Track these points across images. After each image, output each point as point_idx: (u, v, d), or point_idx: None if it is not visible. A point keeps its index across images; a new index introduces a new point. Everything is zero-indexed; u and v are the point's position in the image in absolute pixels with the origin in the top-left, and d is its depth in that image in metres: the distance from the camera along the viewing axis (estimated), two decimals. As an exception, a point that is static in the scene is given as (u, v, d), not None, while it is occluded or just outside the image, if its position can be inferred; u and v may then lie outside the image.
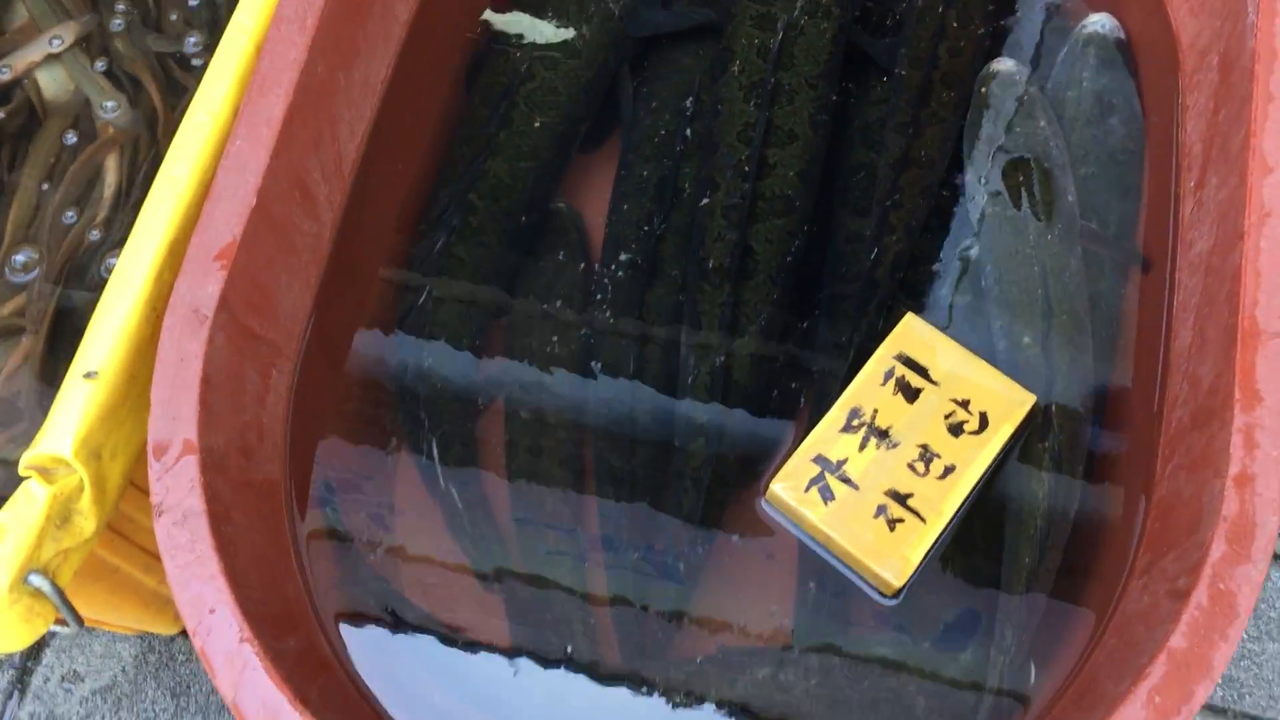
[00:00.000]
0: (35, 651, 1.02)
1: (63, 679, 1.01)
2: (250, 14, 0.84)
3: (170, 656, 1.01)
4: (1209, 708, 0.95)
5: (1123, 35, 0.94)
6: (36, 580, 0.72)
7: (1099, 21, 0.94)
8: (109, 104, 0.99)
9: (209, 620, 0.69)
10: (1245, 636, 0.97)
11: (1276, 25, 0.76)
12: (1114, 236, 0.88)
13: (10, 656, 1.02)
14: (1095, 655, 0.73)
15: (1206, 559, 0.63)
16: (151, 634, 1.01)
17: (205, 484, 0.72)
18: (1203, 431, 0.71)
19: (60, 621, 0.76)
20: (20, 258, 0.92)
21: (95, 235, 0.92)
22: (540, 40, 0.99)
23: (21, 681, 1.01)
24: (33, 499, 0.72)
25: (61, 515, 0.73)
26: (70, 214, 0.93)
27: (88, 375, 0.74)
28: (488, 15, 1.03)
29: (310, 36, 0.82)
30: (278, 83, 0.81)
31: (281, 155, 0.80)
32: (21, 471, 0.74)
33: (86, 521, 0.75)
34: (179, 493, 0.71)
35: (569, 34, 1.00)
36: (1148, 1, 0.93)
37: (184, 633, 1.02)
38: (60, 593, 0.73)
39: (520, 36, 0.99)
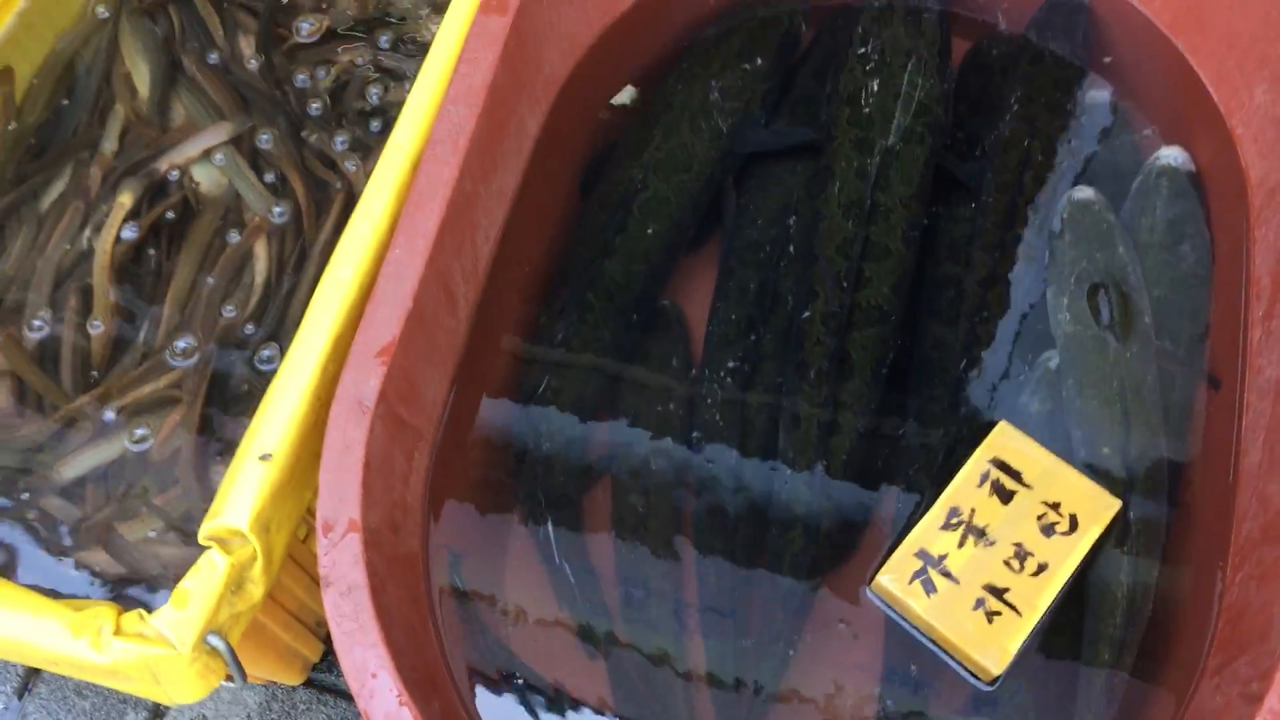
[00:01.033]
0: (167, 698, 1.10)
1: (192, 724, 1.09)
2: (407, 134, 0.94)
3: (292, 706, 1.09)
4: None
5: (1193, 168, 1.02)
6: (214, 640, 0.80)
7: (1171, 155, 1.02)
8: (259, 200, 1.09)
9: (371, 684, 0.77)
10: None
11: (1342, 177, 0.84)
12: (1185, 355, 0.95)
13: (143, 699, 1.10)
14: (1169, 748, 0.80)
15: (1278, 668, 0.70)
16: (275, 684, 1.09)
17: (366, 559, 0.80)
18: (1273, 547, 0.78)
19: (228, 677, 0.84)
20: (182, 344, 1.01)
21: (250, 329, 1.01)
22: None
23: (155, 725, 1.09)
24: (214, 567, 0.80)
25: (236, 582, 0.82)
26: (230, 308, 1.02)
27: (263, 458, 0.83)
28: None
29: (462, 156, 0.92)
30: (432, 198, 0.90)
31: (433, 263, 0.89)
32: (202, 541, 0.82)
33: (256, 588, 0.83)
34: (344, 567, 0.80)
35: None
36: (1218, 139, 1.01)
37: (306, 683, 1.10)
38: (232, 652, 0.82)
39: (637, 150, 1.08)
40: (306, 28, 1.16)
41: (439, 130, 0.92)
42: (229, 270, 1.06)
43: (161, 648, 0.78)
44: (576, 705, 0.92)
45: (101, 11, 1.20)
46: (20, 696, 1.11)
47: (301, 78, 1.14)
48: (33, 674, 1.12)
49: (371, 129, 1.12)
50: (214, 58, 1.16)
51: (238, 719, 1.08)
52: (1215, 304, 0.98)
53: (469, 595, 0.94)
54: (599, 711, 0.92)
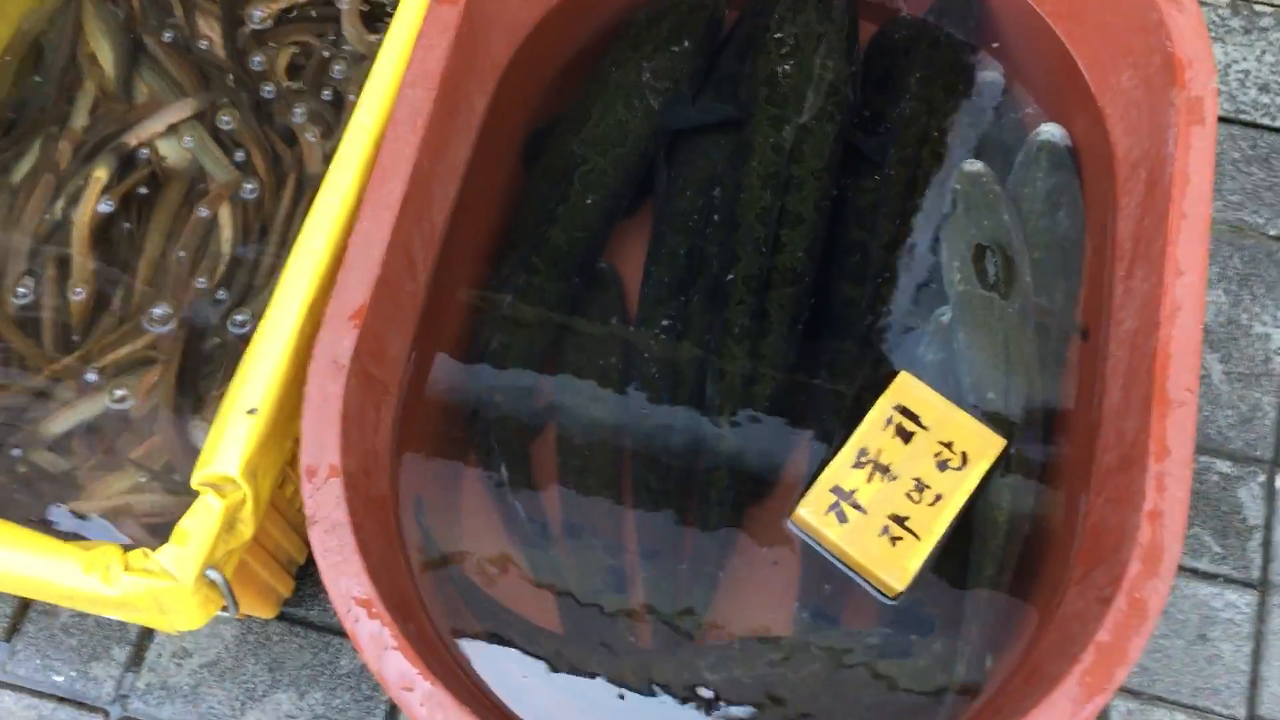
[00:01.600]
0: (148, 631, 1.20)
1: (173, 655, 1.19)
2: (370, 115, 1.03)
3: (266, 637, 1.19)
4: (1127, 690, 1.16)
5: (1070, 143, 1.15)
6: (212, 574, 0.91)
7: (1050, 130, 1.15)
8: (221, 171, 1.17)
9: (356, 610, 0.87)
10: (1156, 634, 1.18)
11: (1189, 156, 0.98)
12: (1060, 310, 1.09)
13: (126, 634, 1.20)
14: (1040, 646, 0.94)
15: (1126, 574, 0.84)
16: (251, 617, 1.19)
17: (348, 499, 0.91)
18: (1126, 474, 0.92)
19: (223, 608, 0.95)
20: (158, 310, 1.10)
21: (221, 294, 1.10)
22: None
23: (138, 656, 1.19)
24: (210, 510, 0.90)
25: (229, 523, 0.92)
26: (201, 279, 1.11)
27: (250, 411, 0.93)
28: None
29: (421, 135, 1.01)
30: (395, 174, 1.00)
31: (397, 233, 0.99)
32: (196, 486, 0.92)
33: (246, 528, 0.94)
34: (328, 507, 0.90)
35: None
36: (1090, 118, 1.14)
37: (279, 617, 1.20)
38: (228, 584, 0.92)
39: (577, 126, 1.18)
40: (259, 15, 1.24)
41: (399, 112, 1.02)
42: (195, 239, 1.14)
43: (166, 580, 0.88)
44: (531, 630, 1.03)
45: (63, -9, 1.27)
46: (9, 637, 1.20)
47: (258, 59, 1.22)
48: (20, 615, 1.21)
49: (324, 98, 1.20)
50: (171, 36, 1.23)
51: (215, 650, 1.19)
52: (1087, 265, 1.11)
53: (431, 533, 1.05)
54: (550, 632, 1.04)
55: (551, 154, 1.18)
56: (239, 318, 1.08)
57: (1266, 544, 1.20)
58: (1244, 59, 1.40)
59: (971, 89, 1.19)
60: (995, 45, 1.21)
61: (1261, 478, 1.22)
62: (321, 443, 0.92)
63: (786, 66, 1.17)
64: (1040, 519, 1.02)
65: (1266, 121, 1.36)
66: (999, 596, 1.00)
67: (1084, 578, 0.94)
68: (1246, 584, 1.19)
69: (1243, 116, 1.37)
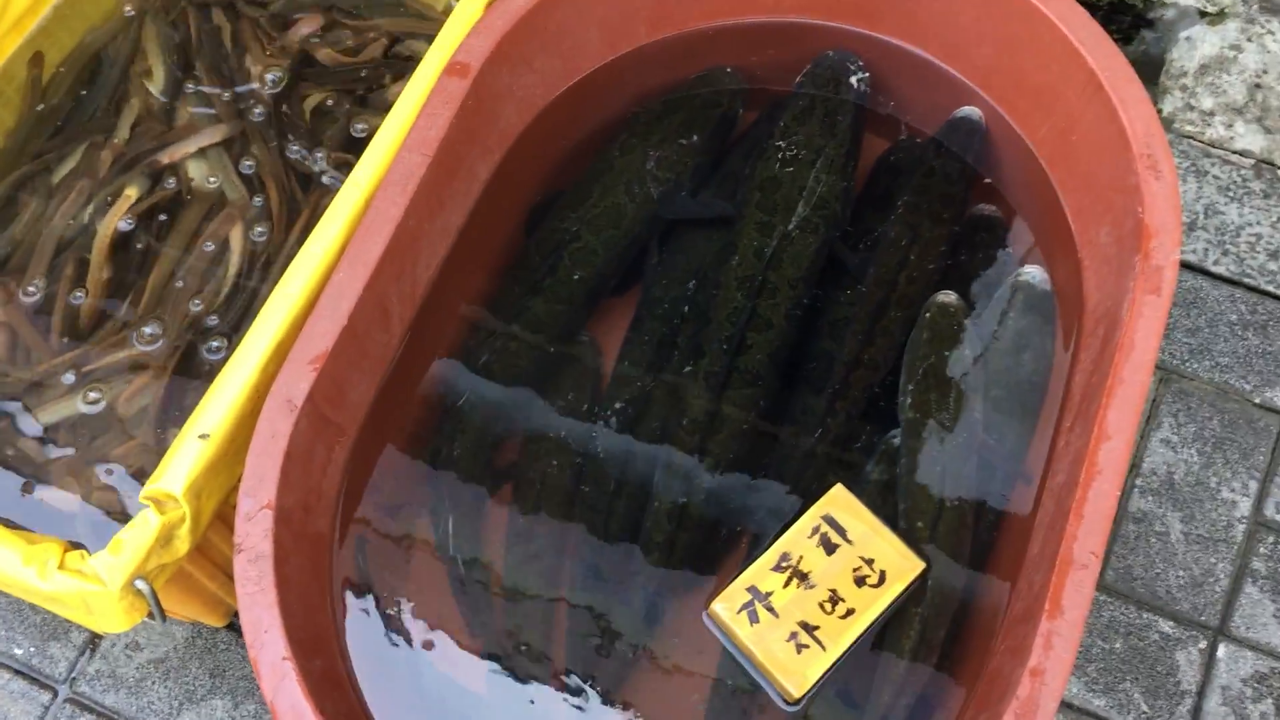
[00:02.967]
0: (106, 622, 1.26)
1: (126, 647, 1.25)
2: (365, 173, 1.09)
3: (214, 644, 1.25)
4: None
5: (1049, 287, 1.17)
6: (140, 584, 0.96)
7: (1031, 272, 1.17)
8: (238, 196, 1.24)
9: (263, 638, 0.92)
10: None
11: (1138, 323, 0.99)
12: (1007, 451, 1.11)
13: (86, 622, 1.26)
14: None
15: (996, 725, 0.86)
16: (201, 624, 1.25)
17: (275, 534, 0.96)
18: (1024, 626, 0.94)
19: (150, 615, 1.00)
20: (149, 330, 1.16)
21: (213, 320, 1.17)
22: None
23: (93, 643, 1.25)
24: (147, 523, 0.96)
25: (166, 538, 0.97)
26: (197, 302, 1.18)
27: (202, 436, 0.99)
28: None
29: (409, 197, 1.07)
30: (378, 233, 1.05)
31: (372, 287, 1.04)
32: (141, 500, 0.98)
33: (182, 544, 0.99)
34: (255, 539, 0.95)
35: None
36: (1070, 265, 1.15)
37: (228, 626, 1.26)
38: (155, 595, 0.98)
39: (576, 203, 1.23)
40: (320, 54, 1.31)
41: (392, 173, 1.08)
42: (202, 264, 1.21)
43: (95, 584, 0.94)
44: (451, 686, 1.07)
45: (129, 10, 1.35)
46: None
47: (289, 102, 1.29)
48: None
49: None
50: (217, 66, 1.31)
51: (165, 648, 1.25)
52: (1044, 410, 1.13)
53: (368, 575, 1.10)
54: (469, 690, 1.07)
55: (547, 227, 1.23)
56: (214, 344, 1.15)
57: (1196, 711, 1.19)
58: (1258, 223, 1.40)
59: (958, 220, 1.22)
60: (990, 179, 1.24)
61: (1203, 643, 1.22)
62: (260, 477, 0.97)
63: (782, 174, 1.20)
64: (945, 655, 1.03)
65: (1271, 289, 1.36)
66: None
67: (976, 718, 0.95)
68: (1171, 749, 1.19)
69: (1247, 280, 1.37)
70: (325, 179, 1.24)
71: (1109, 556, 1.28)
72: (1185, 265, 1.42)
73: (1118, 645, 1.21)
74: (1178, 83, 1.45)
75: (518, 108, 1.22)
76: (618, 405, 1.16)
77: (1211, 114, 1.42)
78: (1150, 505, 1.27)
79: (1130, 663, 1.21)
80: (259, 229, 1.22)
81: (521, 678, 1.08)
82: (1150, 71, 1.51)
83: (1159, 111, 1.52)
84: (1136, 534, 1.27)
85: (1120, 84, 1.09)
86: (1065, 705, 1.22)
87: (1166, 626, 1.22)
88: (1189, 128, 1.42)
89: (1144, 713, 1.20)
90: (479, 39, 1.14)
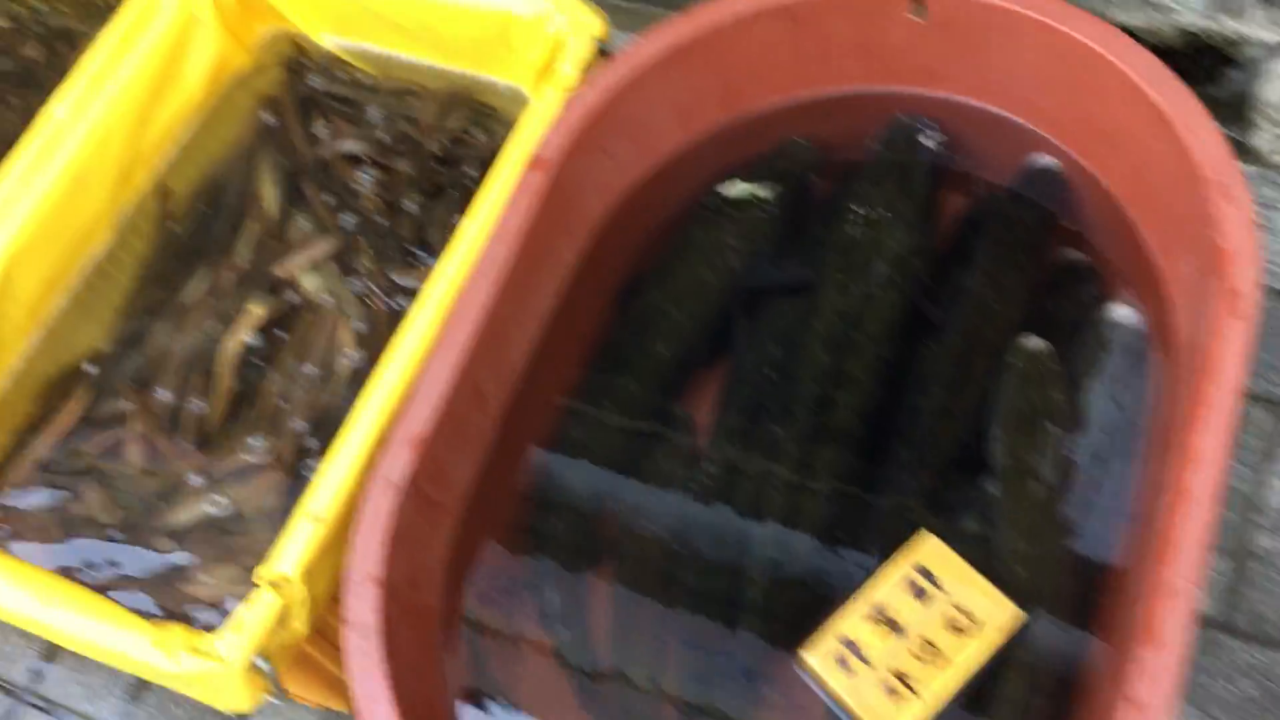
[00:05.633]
0: (245, 712, 1.32)
1: (263, 737, 1.31)
2: (453, 264, 1.16)
3: (342, 730, 1.30)
4: None
5: (1139, 325, 1.16)
6: (260, 662, 1.02)
7: (1119, 311, 1.16)
8: (350, 304, 1.32)
9: (374, 708, 0.97)
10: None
11: (1222, 347, 0.98)
12: (1107, 496, 1.09)
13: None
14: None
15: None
16: (331, 709, 1.30)
17: (382, 608, 1.01)
18: (1124, 661, 0.92)
19: (271, 693, 1.05)
20: (257, 443, 1.24)
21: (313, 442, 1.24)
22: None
23: (232, 735, 1.31)
24: (265, 603, 1.02)
25: (283, 617, 1.03)
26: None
27: (314, 519, 1.05)
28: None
29: (498, 285, 1.13)
30: (467, 318, 1.11)
31: (465, 371, 1.10)
32: (256, 581, 1.04)
33: (300, 624, 1.05)
34: (363, 613, 1.00)
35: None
36: (1157, 301, 1.14)
37: (355, 713, 1.30)
38: (275, 673, 1.03)
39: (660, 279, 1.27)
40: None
41: (480, 264, 1.14)
42: (308, 384, 1.28)
43: (219, 663, 1.00)
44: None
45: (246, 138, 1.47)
46: (131, 702, 1.35)
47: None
48: (142, 685, 1.36)
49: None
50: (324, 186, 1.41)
51: (298, 735, 1.30)
52: (1141, 451, 1.11)
53: (478, 650, 1.14)
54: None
55: (633, 307, 1.27)
56: (311, 462, 1.21)
57: (1346, 757, 1.13)
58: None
59: (1041, 267, 1.22)
60: (1069, 223, 1.24)
61: (1342, 683, 1.16)
62: (365, 553, 1.03)
63: (859, 235, 1.23)
64: (1052, 705, 1.01)
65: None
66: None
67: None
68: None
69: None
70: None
71: (1236, 598, 1.23)
72: (1293, 298, 1.39)
73: (1248, 688, 1.16)
74: (1267, 117, 1.43)
75: (599, 194, 1.27)
76: (712, 474, 1.18)
77: (1303, 144, 1.40)
78: (1274, 543, 1.23)
79: (1264, 706, 1.16)
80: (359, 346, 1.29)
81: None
82: (1240, 110, 1.49)
83: (1251, 147, 1.50)
84: (1262, 573, 1.22)
85: (1187, 116, 1.09)
86: (1203, 758, 1.17)
87: (1305, 668, 1.17)
88: (1282, 160, 1.40)
89: (1287, 761, 1.14)
90: (557, 133, 1.20)
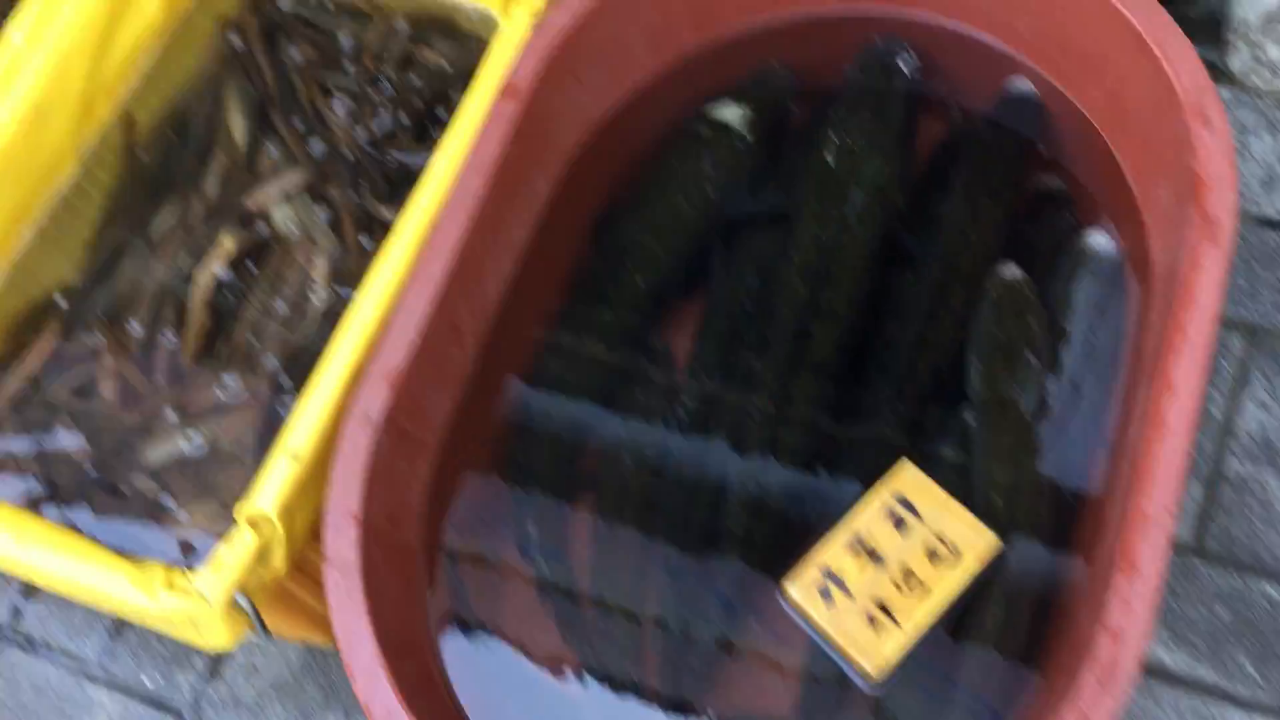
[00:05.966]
0: (227, 647, 1.33)
1: (245, 671, 1.31)
2: (427, 197, 1.14)
3: (326, 663, 1.31)
4: None
5: (1116, 252, 1.16)
6: (240, 599, 1.02)
7: (1096, 239, 1.16)
8: (323, 236, 1.30)
9: (354, 644, 0.97)
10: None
11: (1198, 276, 0.98)
12: (1083, 423, 1.09)
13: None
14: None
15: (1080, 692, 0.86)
16: (313, 645, 1.31)
17: (362, 545, 1.01)
18: (1101, 589, 0.93)
19: (253, 629, 1.06)
20: (231, 379, 1.23)
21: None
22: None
23: (215, 669, 1.32)
24: (244, 542, 1.02)
25: (262, 555, 1.03)
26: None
27: (292, 456, 1.04)
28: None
29: (472, 218, 1.11)
30: (442, 251, 1.10)
31: (440, 305, 1.09)
32: (236, 519, 1.04)
33: (279, 561, 1.05)
34: (343, 550, 1.00)
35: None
36: (1134, 228, 1.14)
37: (337, 646, 1.31)
38: (255, 609, 1.03)
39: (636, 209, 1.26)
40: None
41: (453, 196, 1.12)
42: (289, 305, 1.27)
43: (199, 602, 1.00)
44: (541, 664, 1.11)
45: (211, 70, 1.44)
46: (114, 638, 1.36)
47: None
48: (124, 622, 1.36)
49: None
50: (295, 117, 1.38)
51: (279, 669, 1.31)
52: (1118, 378, 1.11)
53: (461, 585, 1.14)
54: (566, 673, 1.10)
55: (610, 237, 1.26)
56: (286, 398, 1.21)
57: (1311, 676, 1.16)
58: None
59: (1018, 195, 1.21)
60: (1047, 150, 1.23)
61: (1313, 605, 1.18)
62: (345, 490, 1.02)
63: (836, 165, 1.22)
64: (1030, 631, 1.02)
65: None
66: (979, 703, 1.01)
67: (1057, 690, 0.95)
68: (1284, 716, 1.15)
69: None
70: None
71: (1208, 523, 1.25)
72: (1267, 221, 1.38)
73: (1222, 613, 1.18)
74: (1242, 37, 1.42)
75: (573, 123, 1.25)
76: (690, 405, 1.18)
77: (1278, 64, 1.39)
78: (1247, 468, 1.24)
79: (1237, 630, 1.18)
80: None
81: (614, 676, 1.11)
82: (1214, 30, 1.48)
83: (1226, 69, 1.48)
84: (1234, 499, 1.24)
85: (1165, 39, 1.08)
86: (1173, 679, 1.19)
87: (1272, 590, 1.19)
88: (1259, 82, 1.38)
89: (1253, 678, 1.17)
90: (528, 59, 1.18)
